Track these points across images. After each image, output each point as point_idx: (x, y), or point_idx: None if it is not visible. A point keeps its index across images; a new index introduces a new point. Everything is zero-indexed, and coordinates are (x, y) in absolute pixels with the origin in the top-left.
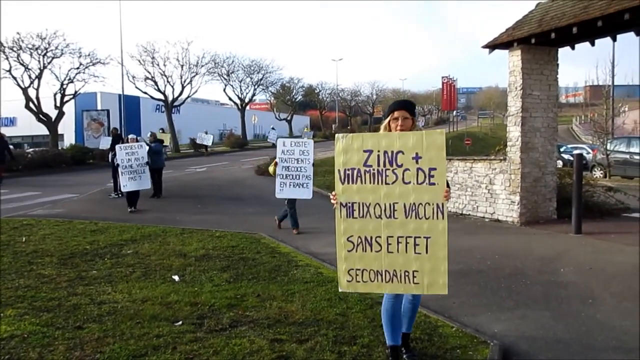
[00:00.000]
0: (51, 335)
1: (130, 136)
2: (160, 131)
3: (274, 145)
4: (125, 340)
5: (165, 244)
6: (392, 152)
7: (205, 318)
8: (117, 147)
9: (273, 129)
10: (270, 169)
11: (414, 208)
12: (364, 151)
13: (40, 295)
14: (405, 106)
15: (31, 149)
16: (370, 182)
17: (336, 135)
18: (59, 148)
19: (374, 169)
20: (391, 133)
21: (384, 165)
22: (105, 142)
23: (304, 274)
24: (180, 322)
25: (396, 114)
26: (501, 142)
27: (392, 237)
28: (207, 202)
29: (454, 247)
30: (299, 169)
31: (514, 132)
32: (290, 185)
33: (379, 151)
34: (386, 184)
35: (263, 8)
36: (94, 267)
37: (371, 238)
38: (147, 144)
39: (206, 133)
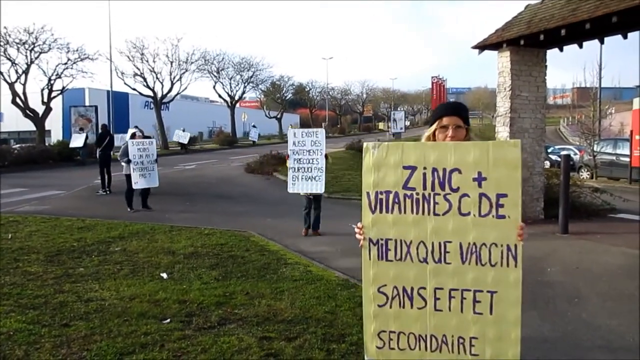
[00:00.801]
0: (37, 333)
1: (137, 133)
2: (183, 130)
3: (254, 144)
4: (113, 337)
5: (153, 242)
6: (445, 170)
7: (193, 316)
8: (129, 142)
9: (254, 126)
10: (288, 163)
11: (474, 250)
12: (404, 168)
13: (27, 293)
14: (457, 111)
15: (17, 145)
16: (412, 212)
17: (365, 144)
18: (46, 144)
19: (417, 194)
20: (443, 143)
21: (432, 189)
22: (77, 140)
23: (293, 272)
24: (169, 320)
25: (445, 120)
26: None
27: (441, 289)
28: (196, 200)
29: None
30: (310, 160)
31: (502, 133)
32: (302, 178)
33: (425, 168)
34: (435, 214)
35: (253, 5)
36: (81, 264)
37: (412, 290)
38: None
39: (183, 130)
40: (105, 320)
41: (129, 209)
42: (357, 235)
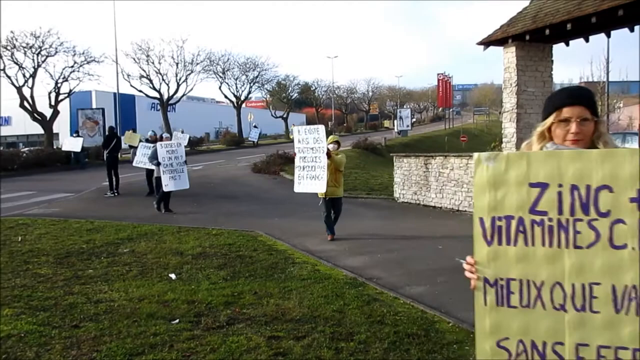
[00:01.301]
0: (48, 335)
1: (165, 135)
2: (131, 131)
3: (255, 145)
4: (122, 338)
5: (161, 243)
6: (589, 187)
7: (202, 316)
8: (158, 144)
9: (255, 127)
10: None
11: (633, 295)
12: (532, 185)
13: (37, 295)
14: (582, 99)
15: (26, 148)
16: (543, 244)
17: (476, 155)
18: (54, 147)
19: (551, 220)
20: (585, 151)
21: (572, 213)
22: (72, 144)
23: (300, 271)
24: (177, 320)
25: (567, 112)
26: (497, 139)
27: (586, 346)
28: (203, 201)
29: (451, 244)
30: (314, 159)
31: (509, 129)
32: (307, 177)
33: (561, 186)
34: (576, 247)
35: (258, 5)
36: (90, 266)
37: (544, 346)
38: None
39: (182, 132)
40: (114, 321)
41: (162, 211)
42: (468, 274)
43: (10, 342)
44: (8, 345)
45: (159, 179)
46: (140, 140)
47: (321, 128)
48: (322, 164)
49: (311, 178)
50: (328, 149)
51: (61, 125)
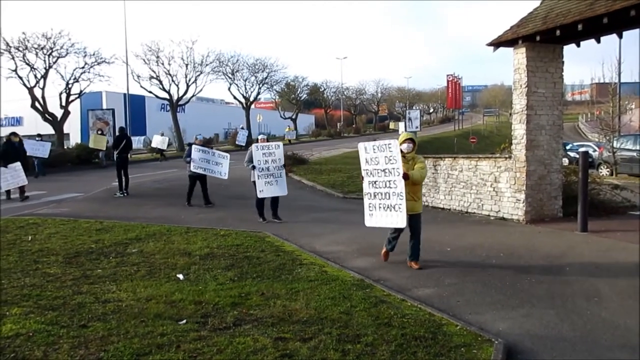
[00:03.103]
0: (56, 334)
1: (260, 136)
2: (99, 132)
3: (241, 148)
4: (130, 338)
5: (169, 243)
6: None
7: (209, 317)
8: (253, 146)
9: (242, 128)
10: (363, 187)
11: None
12: None
13: (46, 294)
14: None
15: None
16: None
17: None
18: (65, 147)
19: None
20: None
21: None
22: (159, 142)
23: (308, 273)
24: (185, 321)
25: None
26: (506, 140)
27: None
28: (211, 201)
29: (459, 245)
30: (387, 184)
31: (519, 130)
32: (380, 208)
33: None
34: None
35: (267, 7)
36: (99, 265)
37: None
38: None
39: (162, 135)
40: (122, 321)
41: (260, 219)
42: None
43: (19, 341)
44: (16, 344)
45: (255, 183)
46: (108, 143)
47: (394, 144)
48: (399, 190)
49: (385, 208)
50: (405, 173)
51: (72, 126)
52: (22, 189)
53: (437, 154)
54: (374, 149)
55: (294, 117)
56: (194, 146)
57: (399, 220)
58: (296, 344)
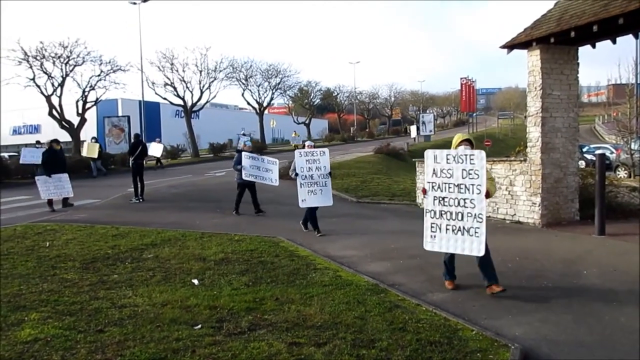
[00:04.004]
0: (73, 339)
1: (307, 142)
2: (93, 140)
3: (239, 152)
4: (146, 343)
5: (184, 248)
6: None
7: (224, 321)
8: (296, 152)
9: (244, 134)
10: (425, 202)
11: None
12: None
13: (63, 299)
14: None
15: None
16: None
17: None
18: (81, 154)
19: None
20: None
21: None
22: (154, 149)
23: (322, 277)
24: (200, 326)
25: None
26: (521, 143)
27: None
28: (226, 206)
29: None
30: (463, 202)
31: (534, 133)
32: (449, 230)
33: None
34: None
35: (280, 13)
36: (115, 271)
37: None
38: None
39: (158, 141)
40: (138, 326)
41: (309, 230)
42: None
43: (37, 346)
44: (35, 349)
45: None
46: (100, 152)
47: (478, 156)
48: (477, 210)
49: (455, 231)
50: (487, 191)
51: (88, 133)
52: (65, 199)
53: None
54: (448, 159)
55: (307, 122)
56: (243, 153)
57: (475, 246)
58: (311, 349)
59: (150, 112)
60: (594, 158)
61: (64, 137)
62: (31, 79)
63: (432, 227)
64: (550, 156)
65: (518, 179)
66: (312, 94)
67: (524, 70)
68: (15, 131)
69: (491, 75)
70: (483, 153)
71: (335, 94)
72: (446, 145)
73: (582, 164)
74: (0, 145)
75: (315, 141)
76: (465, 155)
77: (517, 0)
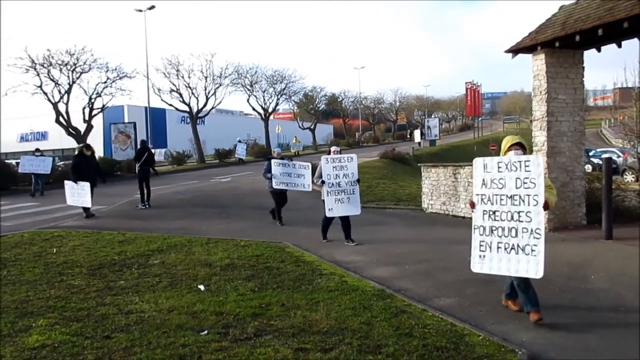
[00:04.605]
0: (80, 345)
1: (333, 148)
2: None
3: (241, 161)
4: (152, 349)
5: (190, 254)
6: None
7: (230, 327)
8: (322, 158)
9: (239, 141)
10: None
11: None
12: None
13: (70, 306)
14: None
15: (61, 162)
16: None
17: None
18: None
19: None
20: None
21: None
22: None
23: (328, 283)
24: (206, 332)
25: None
26: (527, 148)
27: None
28: (231, 212)
29: None
30: (517, 216)
31: (539, 137)
32: (501, 248)
33: None
34: None
35: (285, 19)
36: (121, 277)
37: None
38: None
39: (151, 148)
40: (144, 332)
41: (323, 240)
42: None
43: (45, 352)
44: (42, 355)
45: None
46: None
47: (534, 161)
48: (534, 224)
49: (509, 249)
50: (545, 202)
51: (94, 139)
52: (86, 209)
53: (457, 162)
54: (499, 167)
55: (312, 127)
56: (273, 160)
57: (532, 267)
58: (317, 354)
59: (156, 118)
60: (601, 162)
61: (71, 143)
62: (38, 87)
63: (481, 245)
64: (556, 160)
65: (473, 173)
66: (317, 100)
67: (529, 74)
68: (23, 138)
69: (496, 80)
70: (540, 159)
71: (340, 99)
72: (452, 149)
73: (588, 168)
74: (0, 152)
75: (321, 146)
76: (519, 162)
77: (524, 2)
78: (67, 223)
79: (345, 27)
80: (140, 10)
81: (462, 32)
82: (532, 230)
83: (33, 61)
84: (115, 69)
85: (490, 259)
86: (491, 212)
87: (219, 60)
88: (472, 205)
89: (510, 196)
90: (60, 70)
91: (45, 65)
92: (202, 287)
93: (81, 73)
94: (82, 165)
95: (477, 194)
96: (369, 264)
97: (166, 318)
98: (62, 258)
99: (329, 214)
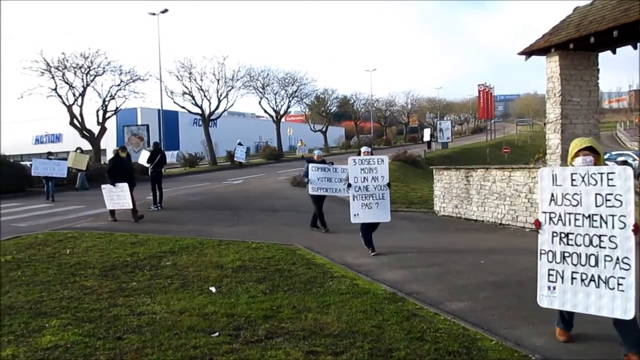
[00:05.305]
0: (93, 346)
1: (363, 149)
2: (79, 151)
3: (241, 165)
4: (164, 350)
5: (202, 256)
6: None
7: (241, 329)
8: (350, 160)
9: (240, 144)
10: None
11: None
12: None
13: (83, 306)
14: None
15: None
16: None
17: None
18: (101, 162)
19: None
20: None
21: None
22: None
23: (339, 286)
24: (217, 333)
25: None
26: (540, 150)
27: None
28: (243, 214)
29: (492, 258)
30: (598, 240)
31: (553, 140)
32: (576, 280)
33: None
34: None
35: (297, 21)
36: (133, 278)
37: None
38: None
39: (148, 150)
40: (156, 333)
41: (370, 252)
42: None
43: (57, 353)
44: (55, 356)
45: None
46: (88, 163)
47: (620, 172)
48: (622, 252)
49: (587, 281)
50: (636, 224)
51: (108, 142)
52: (134, 211)
53: (469, 164)
54: (573, 180)
55: (324, 129)
56: (310, 165)
57: (619, 305)
58: (327, 357)
59: (169, 120)
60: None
61: (85, 145)
62: (53, 89)
63: (550, 274)
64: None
65: (538, 186)
66: (329, 102)
67: (542, 76)
68: (38, 140)
69: (509, 82)
70: (629, 170)
71: (352, 101)
72: (465, 152)
73: None
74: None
75: (332, 149)
76: (601, 173)
77: (537, 3)
78: (81, 224)
79: (357, 30)
80: (154, 14)
81: (474, 34)
82: (617, 259)
83: (48, 64)
84: (129, 72)
85: (563, 292)
86: (563, 235)
87: (231, 63)
88: (538, 224)
89: (588, 216)
90: (75, 73)
91: (60, 68)
92: (213, 289)
93: (95, 76)
94: (118, 167)
95: (545, 212)
96: (381, 267)
97: (178, 319)
98: (75, 259)
99: (354, 220)
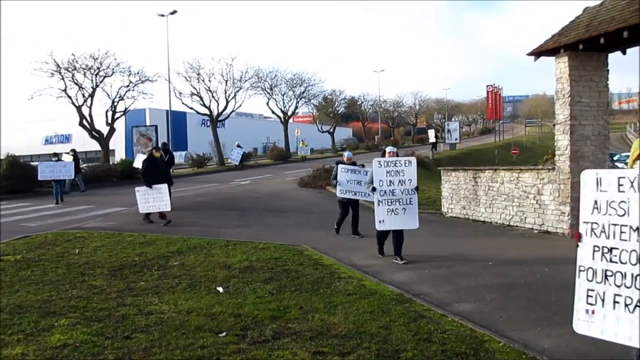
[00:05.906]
0: (101, 345)
1: (388, 149)
2: (72, 153)
3: (237, 167)
4: (171, 350)
5: (210, 256)
6: None
7: (248, 329)
8: (374, 161)
9: (238, 146)
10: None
11: None
12: None
13: (92, 306)
14: None
15: (84, 165)
16: None
17: None
18: (110, 163)
19: None
20: None
21: None
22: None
23: (346, 286)
24: (224, 333)
25: None
26: (549, 151)
27: None
28: (250, 215)
29: (501, 259)
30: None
31: (562, 141)
32: (615, 302)
33: None
34: None
35: (305, 22)
36: (142, 278)
37: None
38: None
39: (143, 153)
40: (164, 333)
41: (379, 255)
42: None
43: (66, 352)
44: (64, 354)
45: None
46: (78, 165)
47: None
48: None
49: (633, 306)
50: None
51: (117, 142)
52: (162, 213)
53: (477, 165)
54: (620, 184)
55: (331, 130)
56: (340, 166)
57: None
58: (334, 358)
59: (177, 121)
60: (625, 167)
61: (94, 146)
62: (63, 90)
63: (589, 295)
64: (579, 165)
65: (546, 187)
66: (337, 103)
67: (551, 77)
68: (47, 141)
69: (518, 83)
70: None
71: (360, 102)
72: (473, 153)
73: None
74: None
75: (339, 150)
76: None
77: (546, 3)
78: (90, 224)
79: (365, 31)
80: (163, 15)
81: (483, 35)
82: None
83: (58, 65)
84: (138, 73)
85: (603, 317)
86: (606, 250)
87: (239, 64)
88: (578, 236)
89: (636, 228)
90: (84, 74)
91: (70, 70)
92: (220, 289)
93: (104, 77)
94: (152, 168)
95: (586, 222)
96: (388, 268)
97: (185, 319)
98: (84, 259)
99: (379, 227)
